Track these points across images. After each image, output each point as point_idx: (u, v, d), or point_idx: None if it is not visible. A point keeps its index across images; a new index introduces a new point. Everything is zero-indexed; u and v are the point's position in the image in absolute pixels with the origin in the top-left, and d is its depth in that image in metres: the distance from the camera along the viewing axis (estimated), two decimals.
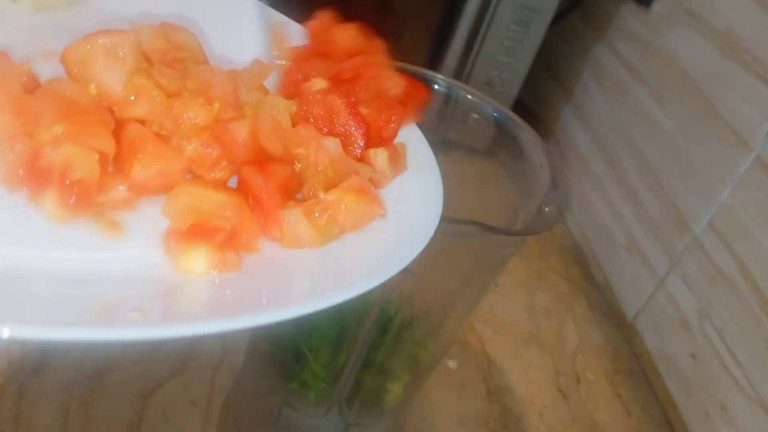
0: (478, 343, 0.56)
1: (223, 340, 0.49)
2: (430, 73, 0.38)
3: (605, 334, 0.63)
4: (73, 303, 0.19)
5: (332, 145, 0.25)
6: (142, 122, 0.24)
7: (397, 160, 0.27)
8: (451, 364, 0.53)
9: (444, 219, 0.26)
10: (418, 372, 0.38)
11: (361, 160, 0.26)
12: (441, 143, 0.38)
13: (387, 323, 0.33)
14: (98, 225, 0.21)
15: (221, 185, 0.24)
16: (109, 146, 0.22)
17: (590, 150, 0.76)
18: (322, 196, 0.24)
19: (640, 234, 0.64)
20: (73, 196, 0.21)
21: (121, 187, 0.22)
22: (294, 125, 0.26)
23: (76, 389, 0.42)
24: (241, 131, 0.24)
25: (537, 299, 0.64)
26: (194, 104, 0.24)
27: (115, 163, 0.23)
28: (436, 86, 0.38)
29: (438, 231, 0.25)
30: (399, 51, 0.32)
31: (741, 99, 0.53)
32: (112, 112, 0.24)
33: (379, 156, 0.26)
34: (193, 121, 0.24)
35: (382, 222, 0.25)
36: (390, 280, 0.22)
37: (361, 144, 0.26)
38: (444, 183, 0.27)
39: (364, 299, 0.21)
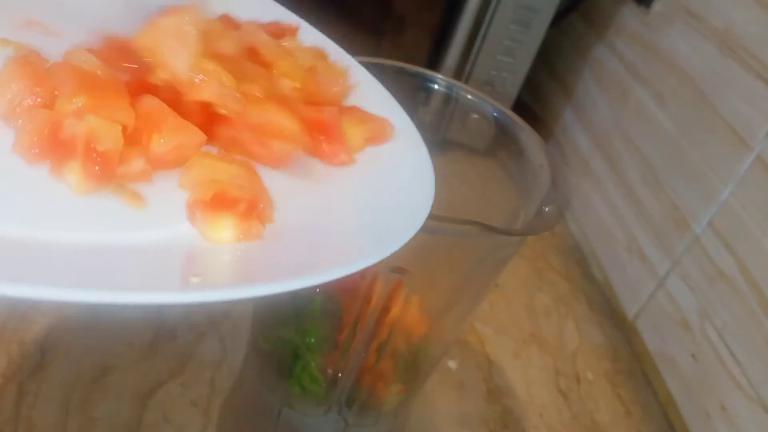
0: (478, 343, 0.56)
1: (223, 340, 0.49)
2: (430, 73, 0.38)
3: (605, 334, 0.63)
4: (114, 270, 0.19)
5: None
6: (208, 104, 0.25)
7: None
8: (452, 364, 0.53)
9: (444, 219, 0.26)
10: (418, 373, 0.38)
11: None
12: (441, 143, 0.38)
13: (386, 324, 0.33)
14: (121, 197, 0.22)
15: (230, 158, 0.24)
16: (129, 118, 0.22)
17: (590, 150, 0.76)
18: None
19: (640, 234, 0.64)
20: (97, 167, 0.21)
21: (138, 160, 0.22)
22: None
23: (76, 389, 0.42)
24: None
25: (537, 299, 0.64)
26: (259, 80, 0.26)
27: (130, 136, 0.23)
28: (436, 86, 0.38)
29: (438, 231, 0.25)
30: (399, 51, 0.33)
31: (741, 99, 0.53)
32: (179, 94, 0.24)
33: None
34: (257, 96, 0.26)
35: (383, 194, 0.26)
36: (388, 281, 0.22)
37: None
38: (444, 183, 0.28)
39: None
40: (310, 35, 0.33)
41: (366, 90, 0.32)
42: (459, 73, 0.69)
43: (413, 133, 0.30)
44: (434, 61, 0.69)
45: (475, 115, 0.38)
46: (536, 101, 0.90)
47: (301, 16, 0.34)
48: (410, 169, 0.28)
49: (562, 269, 0.70)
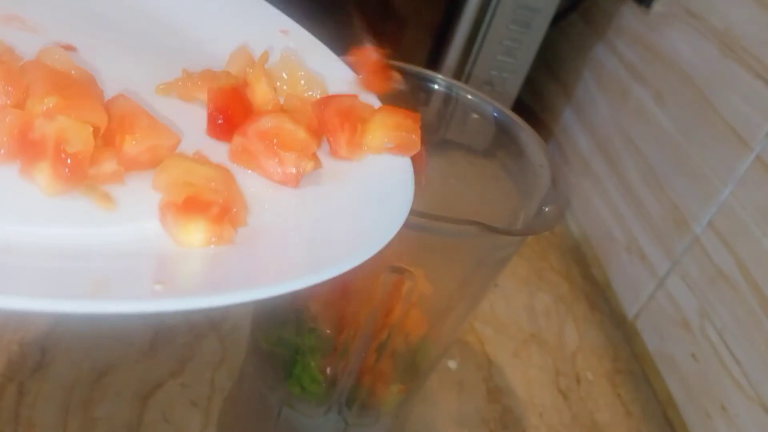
0: (478, 343, 0.56)
1: (223, 340, 0.49)
2: (430, 73, 0.38)
3: (605, 334, 0.63)
4: (76, 276, 0.18)
5: None
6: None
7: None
8: (452, 364, 0.53)
9: (444, 219, 0.26)
10: (417, 373, 0.38)
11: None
12: (441, 143, 0.38)
13: (386, 325, 0.33)
14: (91, 198, 0.21)
15: (205, 160, 0.24)
16: (101, 119, 0.22)
17: (590, 150, 0.76)
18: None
19: (640, 234, 0.64)
20: (67, 169, 0.20)
21: (110, 161, 0.22)
22: None
23: (75, 389, 0.42)
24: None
25: (537, 299, 0.64)
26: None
27: (103, 137, 0.23)
28: (436, 86, 0.38)
29: (438, 231, 0.25)
30: (399, 51, 0.33)
31: (741, 99, 0.53)
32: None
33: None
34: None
35: (362, 199, 0.26)
36: (388, 281, 0.22)
37: None
38: (444, 183, 0.27)
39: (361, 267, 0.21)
40: (300, 37, 0.33)
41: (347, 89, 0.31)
42: (459, 73, 0.69)
43: None
44: (434, 61, 0.69)
45: (475, 115, 0.38)
46: (536, 101, 0.90)
47: (301, 17, 0.34)
48: (388, 173, 0.27)
49: (562, 269, 0.70)
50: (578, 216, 0.77)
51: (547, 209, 0.31)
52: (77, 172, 0.21)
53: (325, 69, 0.31)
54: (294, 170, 0.25)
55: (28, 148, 0.21)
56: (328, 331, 0.34)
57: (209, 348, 0.48)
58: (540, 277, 0.68)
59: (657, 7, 0.68)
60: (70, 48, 0.26)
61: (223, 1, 0.33)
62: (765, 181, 0.49)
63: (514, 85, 0.71)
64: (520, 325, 0.60)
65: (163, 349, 0.47)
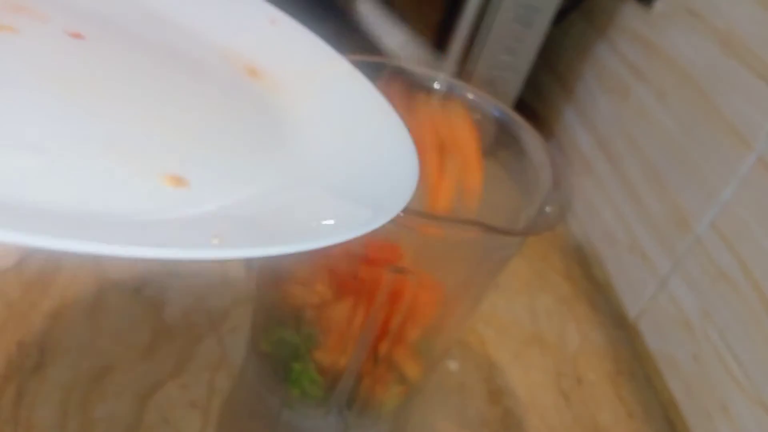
0: (479, 344, 0.56)
1: (222, 341, 0.49)
2: (430, 72, 0.38)
3: (607, 334, 0.63)
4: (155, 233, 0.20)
5: None
6: None
7: None
8: (452, 365, 0.53)
9: (445, 219, 0.26)
10: (418, 373, 0.38)
11: None
12: None
13: (387, 325, 0.33)
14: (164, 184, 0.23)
15: None
16: None
17: (592, 150, 0.76)
18: None
19: (641, 234, 0.64)
20: None
21: None
22: None
23: (75, 390, 0.42)
24: None
25: (538, 300, 0.64)
26: None
27: None
28: (436, 86, 0.38)
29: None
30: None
31: (743, 99, 0.53)
32: None
33: None
34: None
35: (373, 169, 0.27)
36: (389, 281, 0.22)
37: None
38: None
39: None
40: (288, 27, 0.33)
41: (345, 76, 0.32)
42: (460, 73, 0.69)
43: (393, 116, 0.31)
44: (434, 61, 0.69)
45: (476, 115, 0.38)
46: (537, 100, 0.90)
47: (303, 16, 0.34)
48: (394, 145, 0.29)
49: (563, 270, 0.70)
50: (580, 216, 0.76)
51: (548, 209, 0.31)
52: None
53: (314, 57, 0.31)
54: None
55: None
56: (328, 332, 0.34)
57: (209, 349, 0.48)
58: (541, 278, 0.68)
59: (658, 7, 0.68)
60: (77, 36, 0.26)
61: None
62: (767, 181, 0.49)
63: (515, 84, 0.71)
64: (522, 326, 0.60)
65: (163, 350, 0.46)
